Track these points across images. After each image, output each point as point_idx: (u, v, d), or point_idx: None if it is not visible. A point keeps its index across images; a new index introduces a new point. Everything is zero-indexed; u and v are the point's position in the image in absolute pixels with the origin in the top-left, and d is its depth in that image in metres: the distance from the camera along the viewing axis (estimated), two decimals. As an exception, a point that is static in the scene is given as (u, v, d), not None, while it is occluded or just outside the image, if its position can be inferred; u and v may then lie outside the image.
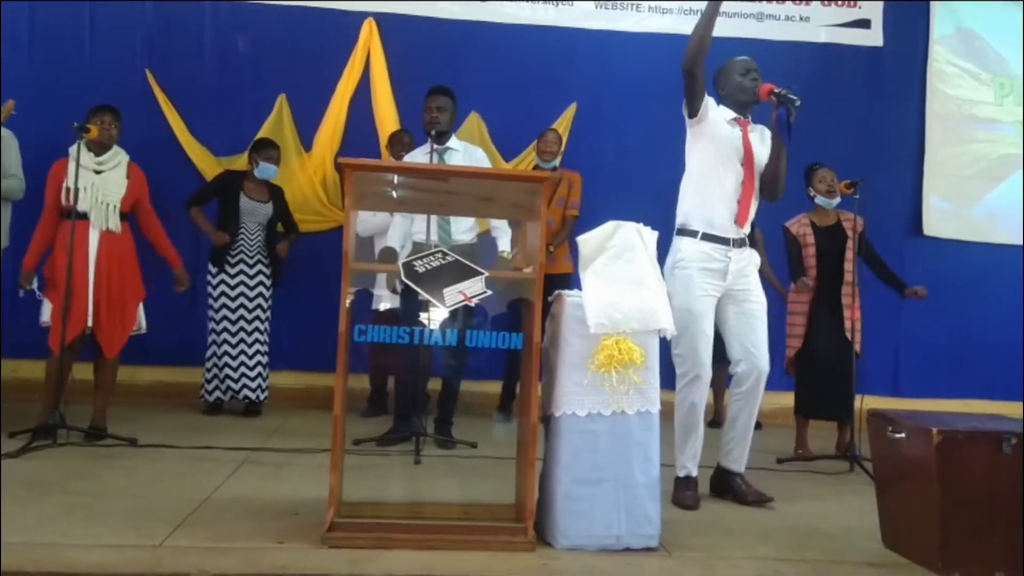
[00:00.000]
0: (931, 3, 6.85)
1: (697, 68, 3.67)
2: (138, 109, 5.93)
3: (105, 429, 4.65)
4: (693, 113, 3.79)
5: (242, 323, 5.64)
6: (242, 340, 5.63)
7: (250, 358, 5.64)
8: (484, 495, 3.69)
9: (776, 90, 3.72)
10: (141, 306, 4.89)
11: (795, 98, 3.64)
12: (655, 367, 3.13)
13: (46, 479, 3.69)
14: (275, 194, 5.83)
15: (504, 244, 4.96)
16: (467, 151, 5.00)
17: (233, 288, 5.64)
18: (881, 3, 6.79)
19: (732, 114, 3.86)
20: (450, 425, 5.01)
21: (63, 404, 4.43)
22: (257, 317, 5.68)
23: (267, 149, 5.75)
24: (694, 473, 3.84)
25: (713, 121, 3.81)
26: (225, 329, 5.61)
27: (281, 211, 5.85)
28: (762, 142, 3.90)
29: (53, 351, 4.52)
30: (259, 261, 5.71)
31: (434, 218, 4.78)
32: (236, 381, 5.61)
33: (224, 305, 5.62)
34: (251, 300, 5.66)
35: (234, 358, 5.61)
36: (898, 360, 6.64)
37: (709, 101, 3.81)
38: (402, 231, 4.96)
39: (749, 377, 3.82)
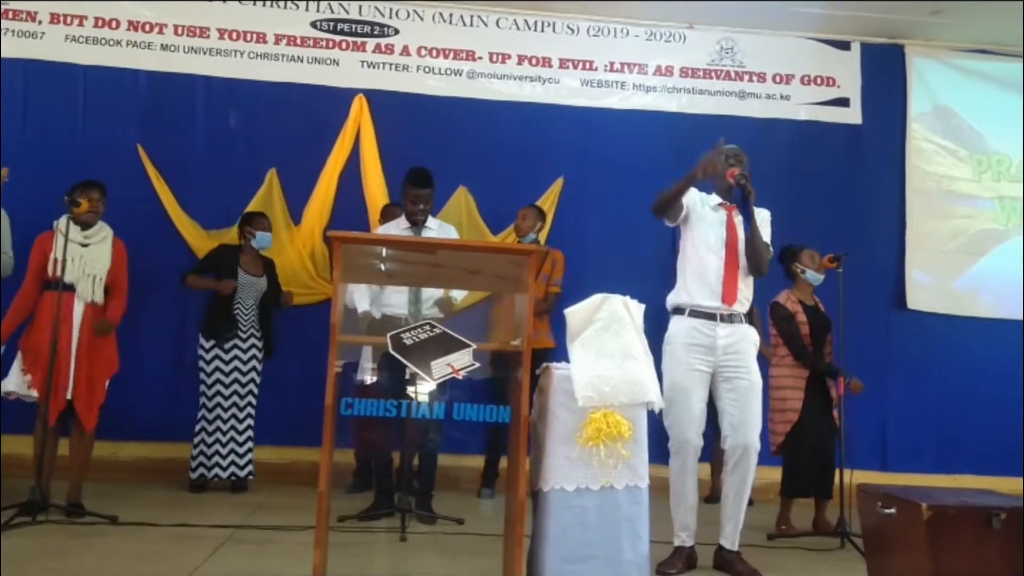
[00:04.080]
0: (908, 82, 7.02)
1: (663, 217, 3.97)
2: (129, 182, 5.96)
3: (82, 505, 4.57)
4: (672, 224, 4.06)
5: (235, 398, 5.55)
6: (233, 416, 5.54)
7: (240, 433, 5.56)
8: (471, 573, 3.64)
9: (736, 172, 3.92)
10: None
11: (744, 180, 3.89)
12: (643, 440, 3.12)
13: (24, 557, 3.61)
14: (268, 268, 5.82)
15: None
16: (441, 228, 5.07)
17: (227, 363, 5.55)
18: (859, 82, 6.97)
19: (718, 199, 4.04)
20: (430, 499, 4.93)
21: (45, 479, 4.39)
22: (250, 392, 5.61)
23: (259, 219, 5.78)
24: (687, 544, 3.91)
25: (698, 211, 4.00)
26: (218, 405, 5.51)
27: (275, 284, 5.83)
28: None
29: (41, 426, 4.47)
30: (252, 335, 5.65)
31: (407, 291, 4.82)
32: (224, 458, 5.52)
33: (218, 380, 5.53)
34: (244, 375, 5.59)
35: (224, 433, 5.52)
36: (885, 434, 6.63)
37: (696, 195, 4.00)
38: (370, 294, 5.00)
39: (736, 452, 3.88)
